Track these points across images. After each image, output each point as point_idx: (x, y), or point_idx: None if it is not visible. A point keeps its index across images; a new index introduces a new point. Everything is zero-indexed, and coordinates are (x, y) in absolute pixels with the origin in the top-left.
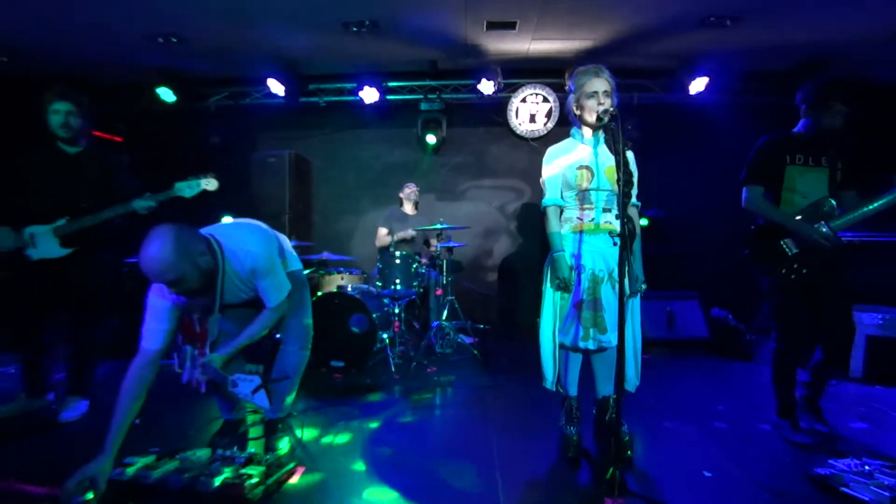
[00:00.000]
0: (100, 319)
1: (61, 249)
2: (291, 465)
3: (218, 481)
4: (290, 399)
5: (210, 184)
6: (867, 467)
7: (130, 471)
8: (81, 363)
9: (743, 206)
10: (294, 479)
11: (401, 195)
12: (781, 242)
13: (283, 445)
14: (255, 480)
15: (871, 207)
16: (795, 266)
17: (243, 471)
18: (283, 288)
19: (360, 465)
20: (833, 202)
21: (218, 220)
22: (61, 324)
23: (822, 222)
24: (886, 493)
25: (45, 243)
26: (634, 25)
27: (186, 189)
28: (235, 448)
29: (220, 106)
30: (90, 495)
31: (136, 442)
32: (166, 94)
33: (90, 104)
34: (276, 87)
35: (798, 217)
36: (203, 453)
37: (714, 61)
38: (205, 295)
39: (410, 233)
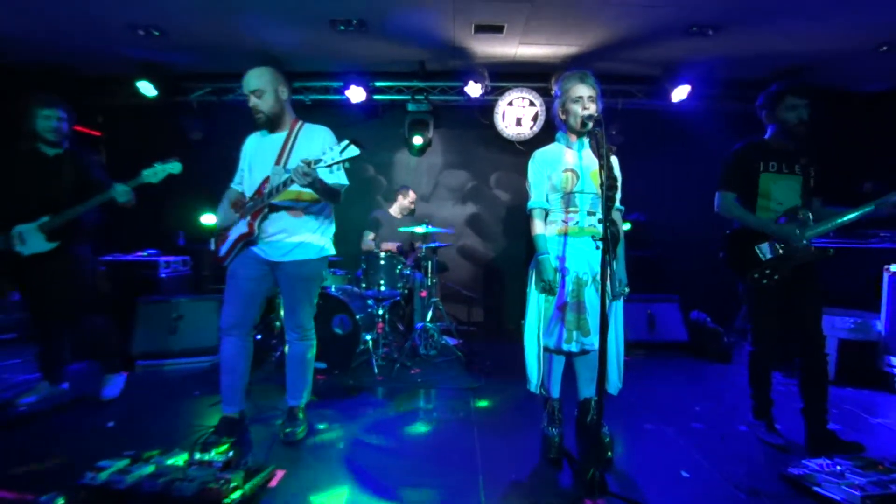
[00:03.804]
0: (79, 314)
1: (48, 244)
2: (270, 469)
3: (195, 486)
4: (308, 389)
5: (174, 167)
6: (839, 467)
7: (103, 476)
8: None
9: (716, 211)
10: (273, 483)
11: (399, 197)
12: (756, 248)
13: (300, 434)
14: (233, 485)
15: (846, 218)
16: (768, 272)
17: (221, 475)
18: (343, 175)
19: (341, 468)
20: (808, 212)
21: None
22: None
23: (796, 230)
24: (857, 493)
25: (33, 239)
26: (620, 33)
27: (153, 175)
28: (214, 452)
29: (203, 101)
30: (61, 501)
31: (110, 445)
32: (146, 89)
33: (69, 105)
34: None
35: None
36: (180, 457)
37: (696, 69)
38: (271, 128)
39: (395, 246)
